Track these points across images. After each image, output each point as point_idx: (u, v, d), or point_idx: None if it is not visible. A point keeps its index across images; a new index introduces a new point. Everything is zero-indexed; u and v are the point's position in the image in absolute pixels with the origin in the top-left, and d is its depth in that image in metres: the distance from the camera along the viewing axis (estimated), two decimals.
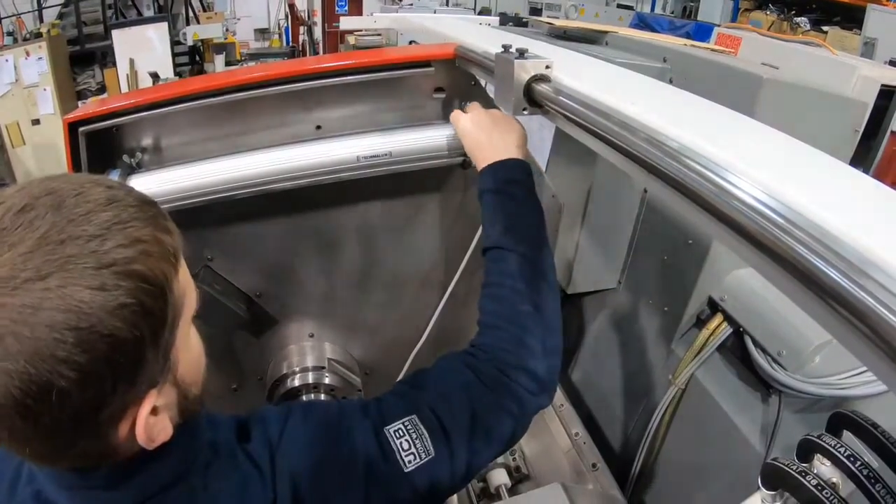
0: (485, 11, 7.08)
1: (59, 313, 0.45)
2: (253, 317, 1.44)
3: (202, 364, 0.65)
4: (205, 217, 1.28)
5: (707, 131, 0.64)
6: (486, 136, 1.03)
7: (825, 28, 5.41)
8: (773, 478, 0.84)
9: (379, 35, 2.69)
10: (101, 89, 6.54)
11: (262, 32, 8.90)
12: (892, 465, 0.78)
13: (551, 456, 1.67)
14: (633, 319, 1.69)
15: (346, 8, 8.00)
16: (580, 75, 0.89)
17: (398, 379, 1.51)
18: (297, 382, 1.51)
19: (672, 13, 7.24)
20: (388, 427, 0.74)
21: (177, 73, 6.58)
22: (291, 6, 8.42)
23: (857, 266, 0.41)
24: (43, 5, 6.82)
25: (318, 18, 8.47)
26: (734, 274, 1.34)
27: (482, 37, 1.27)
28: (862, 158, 2.49)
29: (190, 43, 6.99)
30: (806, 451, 0.84)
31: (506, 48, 0.94)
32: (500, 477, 1.61)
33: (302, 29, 8.45)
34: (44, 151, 5.81)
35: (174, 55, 6.67)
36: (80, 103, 5.76)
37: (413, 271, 1.52)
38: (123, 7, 7.26)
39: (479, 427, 0.79)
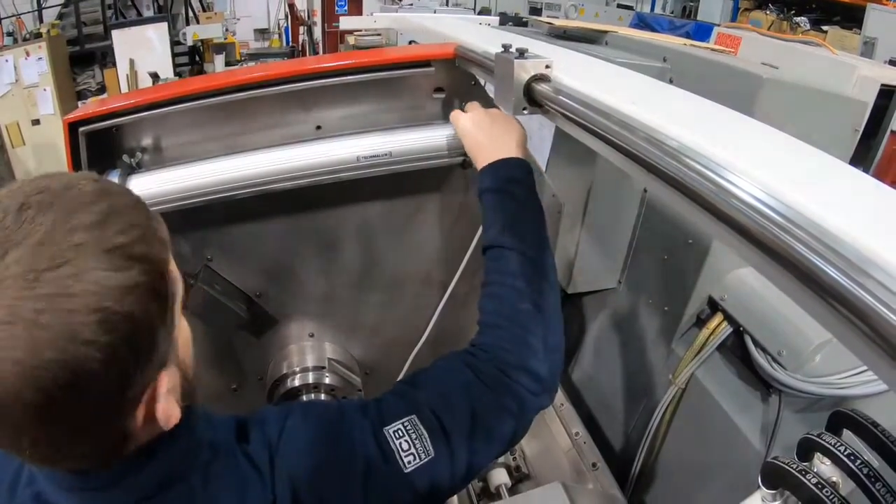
0: (485, 11, 7.08)
1: (80, 297, 0.46)
2: (253, 317, 1.44)
3: (191, 347, 0.68)
4: (205, 217, 1.28)
5: (707, 131, 0.64)
6: (485, 135, 1.02)
7: (825, 28, 5.41)
8: (774, 477, 0.84)
9: (379, 35, 2.69)
10: (101, 89, 6.55)
11: (262, 32, 8.90)
12: (893, 463, 0.78)
13: (551, 455, 1.67)
14: (634, 319, 1.69)
15: (346, 8, 7.99)
16: (580, 75, 0.89)
17: (398, 379, 1.51)
18: (297, 382, 1.51)
19: (672, 13, 7.23)
20: (387, 427, 0.74)
21: (177, 74, 6.58)
22: (291, 6, 8.42)
23: (857, 265, 0.41)
24: (43, 5, 6.82)
25: (317, 18, 8.47)
26: (734, 273, 1.34)
27: (482, 36, 1.27)
28: (862, 158, 2.49)
29: (190, 43, 6.99)
30: (806, 449, 0.84)
31: (506, 48, 0.94)
32: (500, 476, 1.61)
33: (302, 29, 8.45)
34: (44, 151, 5.81)
35: (174, 55, 6.67)
36: (79, 103, 5.76)
37: (413, 271, 1.52)
38: (123, 7, 7.26)
39: (480, 427, 0.79)
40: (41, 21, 6.74)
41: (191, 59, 7.31)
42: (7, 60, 5.78)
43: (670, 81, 1.48)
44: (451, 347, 0.92)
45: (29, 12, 6.75)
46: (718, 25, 4.23)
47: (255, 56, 7.90)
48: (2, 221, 0.48)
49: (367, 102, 1.25)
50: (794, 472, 0.79)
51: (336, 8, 8.16)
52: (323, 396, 1.51)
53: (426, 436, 0.74)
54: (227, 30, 7.37)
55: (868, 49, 4.47)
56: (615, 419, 1.73)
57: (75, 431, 0.51)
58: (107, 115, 1.12)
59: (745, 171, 0.54)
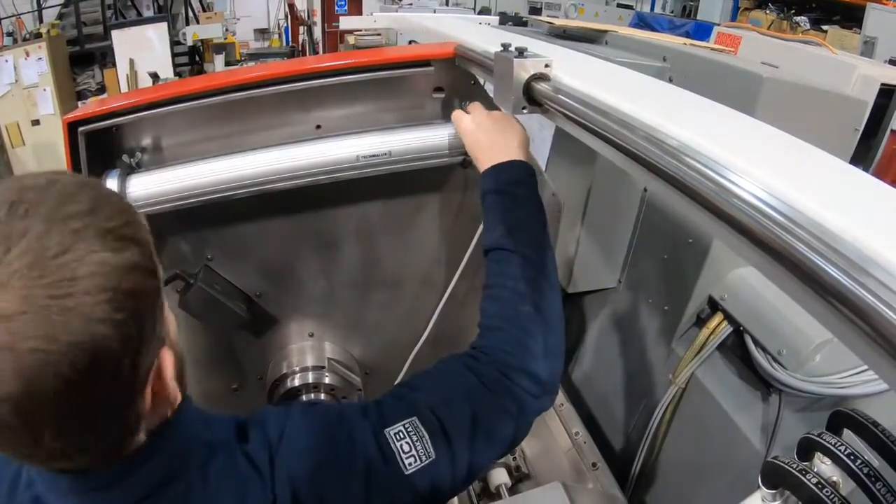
0: (484, 11, 7.08)
1: (88, 279, 0.48)
2: (253, 316, 1.44)
3: (176, 330, 0.68)
4: (205, 217, 1.28)
5: (707, 130, 0.64)
6: (487, 137, 1.02)
7: (825, 27, 5.41)
8: (774, 476, 0.84)
9: (378, 35, 2.69)
10: (101, 89, 6.54)
11: (262, 32, 8.89)
12: (893, 463, 0.78)
13: (551, 455, 1.67)
14: (634, 318, 1.69)
15: (346, 8, 7.99)
16: (580, 74, 0.89)
17: (398, 378, 1.51)
18: (297, 382, 1.51)
19: (672, 12, 7.23)
20: (388, 429, 0.74)
21: (176, 74, 6.58)
22: (291, 6, 8.42)
23: (857, 264, 0.41)
24: (43, 6, 6.81)
25: (317, 18, 8.46)
26: (734, 273, 1.34)
27: (482, 36, 1.27)
28: (862, 157, 2.49)
29: (190, 43, 6.98)
30: (806, 449, 0.84)
31: (505, 47, 0.93)
32: (500, 476, 1.61)
33: (302, 29, 8.44)
34: (44, 152, 5.81)
35: (174, 55, 6.67)
36: (79, 103, 5.76)
37: (413, 271, 1.52)
38: (123, 7, 7.26)
39: (481, 429, 0.79)
40: (41, 21, 6.74)
41: (191, 59, 7.31)
42: (7, 60, 5.78)
43: (670, 81, 1.48)
44: (451, 347, 0.92)
45: (29, 12, 6.75)
46: (718, 25, 4.23)
47: (255, 56, 7.89)
48: None
49: (366, 102, 1.25)
50: (794, 471, 0.79)
51: (336, 8, 8.16)
52: (323, 396, 1.51)
53: (427, 438, 0.74)
54: (226, 30, 7.36)
55: (868, 48, 4.47)
56: (615, 419, 1.73)
57: (88, 422, 0.51)
58: (106, 114, 1.12)
59: (746, 170, 0.54)
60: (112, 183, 1.10)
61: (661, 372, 1.54)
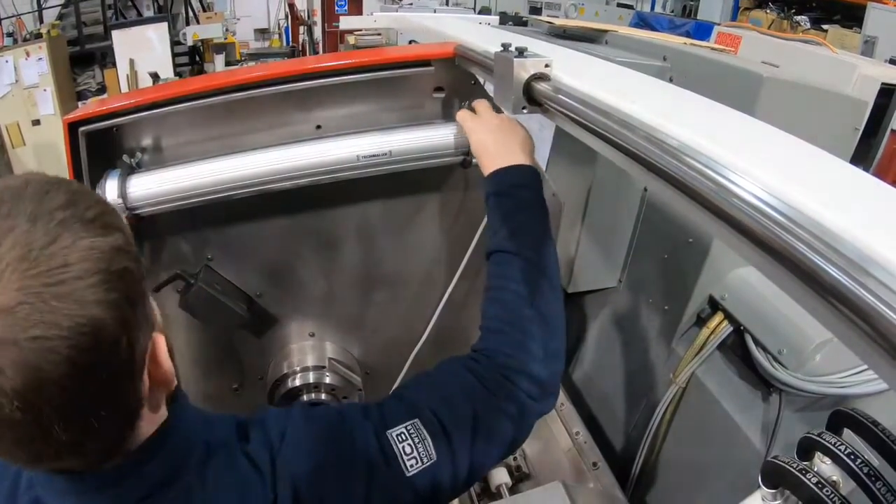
0: (485, 11, 7.09)
1: (79, 264, 0.49)
2: (253, 316, 1.44)
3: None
4: (205, 217, 1.28)
5: (707, 129, 0.64)
6: (494, 140, 1.02)
7: (825, 26, 5.41)
8: (774, 476, 0.84)
9: (379, 35, 2.69)
10: (102, 90, 6.55)
11: (262, 32, 8.89)
12: (893, 462, 0.78)
13: (552, 455, 1.68)
14: (634, 318, 1.69)
15: (346, 7, 7.98)
16: (580, 74, 0.88)
17: (399, 378, 1.51)
18: (297, 382, 1.51)
19: (672, 12, 7.23)
20: (390, 431, 0.74)
21: (177, 74, 6.58)
22: (291, 6, 8.41)
23: (857, 264, 0.41)
24: (43, 6, 6.82)
25: (317, 18, 8.45)
26: (734, 272, 1.34)
27: (482, 36, 1.27)
28: (862, 157, 2.49)
29: (190, 43, 6.98)
30: (806, 449, 0.84)
31: (505, 47, 0.93)
32: (500, 476, 1.61)
33: (302, 29, 8.44)
34: (44, 152, 5.80)
35: (174, 55, 6.67)
36: (80, 104, 5.75)
37: (413, 271, 1.52)
38: (123, 7, 7.26)
39: (482, 431, 0.79)
40: (41, 21, 6.74)
41: (191, 59, 7.31)
42: (7, 61, 5.77)
43: (670, 80, 1.48)
44: (452, 347, 0.92)
45: (29, 13, 6.76)
46: (719, 24, 4.23)
47: (256, 56, 7.88)
48: None
49: (367, 102, 1.25)
50: (794, 471, 0.79)
51: (336, 8, 8.15)
52: (323, 396, 1.51)
53: (429, 440, 0.74)
54: (227, 30, 7.35)
55: (868, 48, 4.47)
56: (616, 418, 1.73)
57: (94, 408, 0.51)
58: (107, 115, 1.12)
59: (746, 169, 0.54)
60: (112, 183, 1.10)
61: (662, 371, 1.54)
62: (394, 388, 1.31)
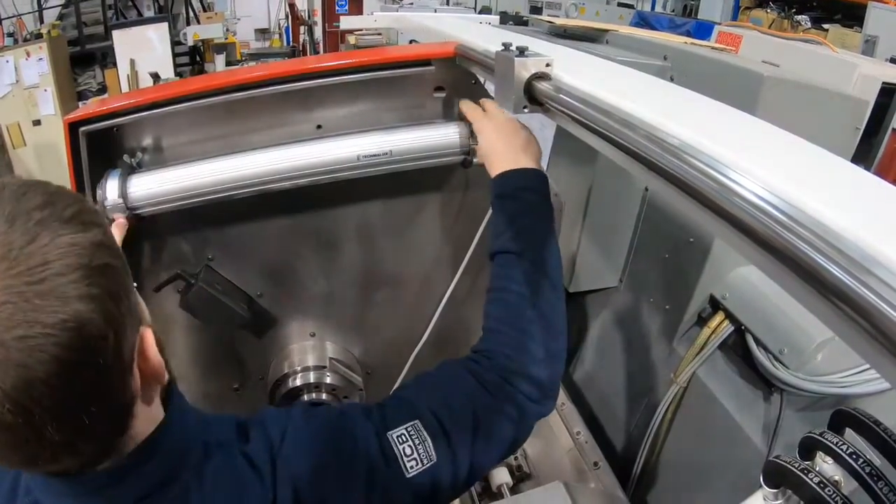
0: (485, 10, 7.09)
1: (60, 260, 0.49)
2: (254, 316, 1.44)
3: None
4: (206, 217, 1.28)
5: (708, 129, 0.64)
6: (504, 143, 1.01)
7: (826, 26, 5.40)
8: (776, 475, 0.84)
9: (379, 34, 2.69)
10: (102, 90, 6.54)
11: (263, 32, 8.90)
12: (895, 462, 0.78)
13: (553, 455, 1.67)
14: (635, 318, 1.69)
15: (347, 7, 7.98)
16: (581, 73, 0.88)
17: (399, 378, 1.51)
18: (298, 382, 1.51)
19: (673, 11, 7.22)
20: (390, 432, 0.74)
21: (177, 74, 6.57)
22: (292, 6, 8.41)
23: (859, 263, 0.41)
24: (43, 6, 6.82)
25: (318, 18, 8.44)
26: (735, 272, 1.34)
27: (482, 35, 1.27)
28: (863, 156, 2.48)
29: (190, 43, 6.98)
30: (808, 448, 0.84)
31: (506, 46, 0.93)
32: (501, 476, 1.61)
33: (302, 29, 8.43)
34: (44, 152, 5.80)
35: (174, 55, 6.66)
36: (80, 104, 5.76)
37: (414, 270, 1.52)
38: (123, 7, 7.27)
39: (482, 432, 0.79)
40: (42, 21, 6.74)
41: (191, 59, 7.31)
42: (7, 61, 5.77)
43: (671, 80, 1.48)
44: (452, 347, 0.92)
45: (29, 13, 6.76)
46: (719, 24, 4.23)
47: (256, 56, 7.88)
48: None
49: (367, 101, 1.25)
50: (796, 470, 0.79)
51: (336, 7, 8.14)
52: (324, 396, 1.51)
53: (429, 441, 0.75)
54: (227, 30, 7.36)
55: (869, 47, 4.47)
56: (617, 418, 1.73)
57: (86, 406, 0.51)
58: (107, 115, 1.12)
59: (747, 168, 0.54)
60: (113, 183, 1.10)
61: (663, 371, 1.54)
62: (394, 387, 1.31)
